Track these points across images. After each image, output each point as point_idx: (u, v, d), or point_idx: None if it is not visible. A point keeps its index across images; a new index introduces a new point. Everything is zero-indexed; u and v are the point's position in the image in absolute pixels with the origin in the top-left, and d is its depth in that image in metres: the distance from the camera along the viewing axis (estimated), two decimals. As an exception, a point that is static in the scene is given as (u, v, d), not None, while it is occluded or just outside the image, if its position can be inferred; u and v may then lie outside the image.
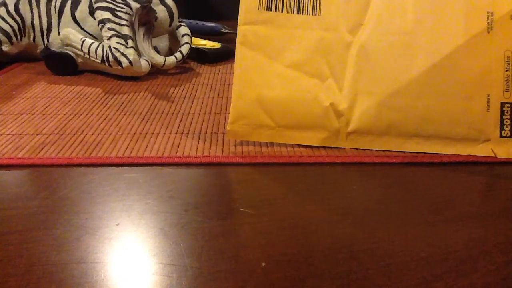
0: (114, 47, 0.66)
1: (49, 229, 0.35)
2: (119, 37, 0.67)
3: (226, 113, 0.57)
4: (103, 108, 0.59)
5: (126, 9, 0.69)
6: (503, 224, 0.36)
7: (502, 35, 0.46)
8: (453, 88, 0.46)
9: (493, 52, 0.46)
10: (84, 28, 0.72)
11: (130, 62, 0.66)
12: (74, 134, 0.51)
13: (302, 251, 0.32)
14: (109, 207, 0.38)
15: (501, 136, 0.46)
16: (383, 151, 0.47)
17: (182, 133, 0.51)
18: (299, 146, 0.48)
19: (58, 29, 0.74)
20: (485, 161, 0.45)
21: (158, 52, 0.74)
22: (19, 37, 0.76)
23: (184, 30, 0.75)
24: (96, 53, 0.68)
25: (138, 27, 0.70)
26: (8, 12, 0.75)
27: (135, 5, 0.70)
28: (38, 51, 0.77)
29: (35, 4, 0.76)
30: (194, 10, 1.20)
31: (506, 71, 0.46)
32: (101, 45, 0.67)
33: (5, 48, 0.75)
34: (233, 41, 0.53)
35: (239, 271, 0.31)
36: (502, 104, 0.46)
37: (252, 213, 0.37)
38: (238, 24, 0.48)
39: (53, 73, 0.73)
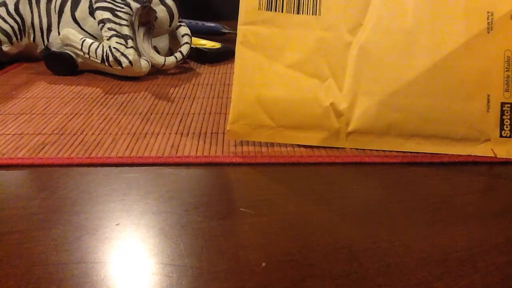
0: (114, 47, 0.66)
1: (49, 229, 0.35)
2: (119, 37, 0.67)
3: (226, 113, 0.57)
4: (103, 108, 0.59)
5: (126, 9, 0.69)
6: (503, 224, 0.36)
7: (502, 35, 0.46)
8: (453, 88, 0.46)
9: (493, 52, 0.46)
10: (84, 28, 0.72)
11: (130, 62, 0.66)
12: (74, 134, 0.51)
13: (302, 251, 0.32)
14: (109, 207, 0.38)
15: (501, 136, 0.46)
16: (383, 151, 0.47)
17: (182, 133, 0.51)
18: (299, 146, 0.48)
19: (58, 29, 0.74)
20: (485, 161, 0.45)
21: (158, 52, 0.74)
22: (19, 37, 0.76)
23: (184, 30, 0.75)
24: (96, 53, 0.68)
25: (138, 27, 0.70)
26: (8, 12, 0.75)
27: (135, 5, 0.70)
28: (38, 51, 0.77)
29: (35, 4, 0.76)
30: (194, 10, 1.20)
31: (506, 71, 0.46)
32: (101, 45, 0.67)
33: (5, 48, 0.75)
34: (233, 41, 0.53)
35: (239, 271, 0.31)
36: (502, 104, 0.46)
37: (252, 213, 0.37)
38: (238, 24, 0.48)
39: (53, 73, 0.73)
